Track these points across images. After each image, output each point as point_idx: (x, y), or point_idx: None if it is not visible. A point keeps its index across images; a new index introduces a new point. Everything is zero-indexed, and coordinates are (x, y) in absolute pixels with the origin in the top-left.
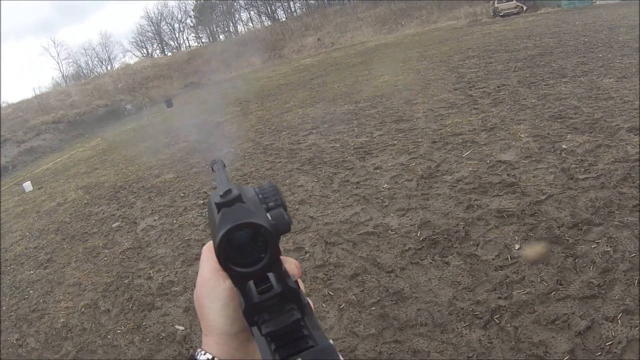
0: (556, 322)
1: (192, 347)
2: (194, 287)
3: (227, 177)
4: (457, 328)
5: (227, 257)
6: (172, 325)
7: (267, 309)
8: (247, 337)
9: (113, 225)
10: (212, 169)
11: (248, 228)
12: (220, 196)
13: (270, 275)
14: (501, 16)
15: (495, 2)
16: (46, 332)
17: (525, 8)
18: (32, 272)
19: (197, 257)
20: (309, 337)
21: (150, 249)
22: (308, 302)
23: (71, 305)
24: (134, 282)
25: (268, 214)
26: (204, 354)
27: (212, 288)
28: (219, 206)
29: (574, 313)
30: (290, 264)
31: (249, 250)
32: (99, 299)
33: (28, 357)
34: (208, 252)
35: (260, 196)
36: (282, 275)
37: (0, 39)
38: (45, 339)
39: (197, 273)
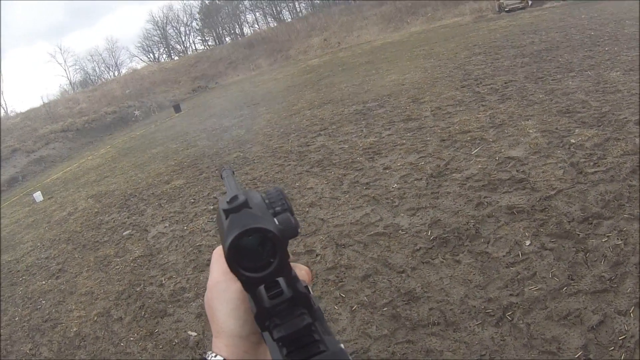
0: (568, 318)
1: (204, 352)
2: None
3: (235, 184)
4: (470, 326)
5: (236, 263)
6: (185, 332)
7: (278, 314)
8: (257, 339)
9: (124, 233)
10: (221, 176)
11: (256, 233)
12: (228, 202)
13: (281, 280)
14: (506, 11)
15: None
16: (59, 341)
17: (530, 2)
18: (44, 282)
19: (209, 263)
20: (320, 341)
21: (161, 256)
22: (319, 307)
23: (84, 314)
24: (146, 290)
25: (275, 219)
26: (215, 356)
27: (223, 290)
28: (227, 212)
29: (586, 308)
30: (301, 270)
31: (258, 255)
32: (111, 307)
33: None
34: (218, 256)
35: (266, 201)
36: (292, 280)
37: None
38: (59, 349)
39: (208, 278)
